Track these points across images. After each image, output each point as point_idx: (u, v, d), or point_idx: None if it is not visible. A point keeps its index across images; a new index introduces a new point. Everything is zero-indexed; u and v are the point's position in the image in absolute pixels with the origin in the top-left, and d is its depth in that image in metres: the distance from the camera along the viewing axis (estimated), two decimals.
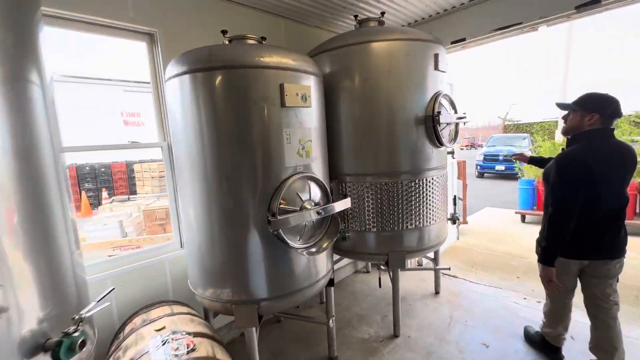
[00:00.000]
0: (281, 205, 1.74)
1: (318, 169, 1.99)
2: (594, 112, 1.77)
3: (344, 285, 3.53)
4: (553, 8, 2.54)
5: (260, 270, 1.82)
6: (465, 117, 2.60)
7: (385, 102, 2.33)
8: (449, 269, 3.19)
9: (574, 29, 12.75)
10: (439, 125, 2.34)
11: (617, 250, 1.83)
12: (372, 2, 2.93)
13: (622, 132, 5.78)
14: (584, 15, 2.50)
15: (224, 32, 1.98)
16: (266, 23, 2.89)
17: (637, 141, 5.31)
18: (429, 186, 2.47)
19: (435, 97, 2.38)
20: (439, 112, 2.30)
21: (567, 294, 2.05)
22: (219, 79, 1.67)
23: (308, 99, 1.81)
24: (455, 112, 2.63)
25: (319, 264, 2.09)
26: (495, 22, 2.88)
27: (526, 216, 5.82)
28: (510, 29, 2.79)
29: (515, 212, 6.01)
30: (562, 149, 1.96)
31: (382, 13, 2.66)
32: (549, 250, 1.83)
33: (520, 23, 2.72)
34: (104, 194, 9.03)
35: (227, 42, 1.93)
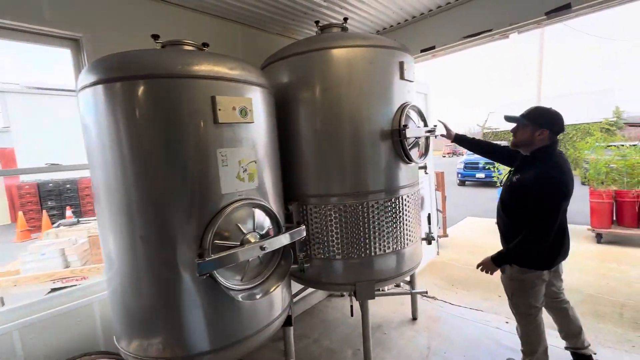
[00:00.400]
0: (217, 241, 1.45)
1: (267, 193, 1.72)
2: (544, 127, 1.80)
3: (316, 312, 3.23)
4: (523, 14, 2.40)
5: (196, 317, 1.52)
6: (434, 131, 2.40)
7: (347, 115, 2.10)
8: (426, 292, 2.96)
9: (546, 38, 13.14)
10: (407, 140, 2.12)
11: (569, 249, 1.99)
12: (336, 8, 2.74)
13: (596, 140, 5.82)
14: (554, 22, 2.37)
15: (155, 36, 1.71)
16: (219, 30, 2.64)
17: (612, 147, 5.32)
18: (399, 206, 2.24)
19: (402, 108, 2.17)
20: (405, 126, 2.09)
21: (538, 311, 2.00)
22: (139, 91, 1.39)
23: (249, 113, 1.55)
24: (425, 124, 2.43)
25: (273, 301, 1.80)
26: (465, 30, 2.73)
27: None
28: (480, 36, 2.64)
29: (496, 222, 5.90)
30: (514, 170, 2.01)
31: (345, 19, 2.45)
32: (509, 259, 1.92)
33: (491, 30, 2.58)
34: (68, 212, 8.43)
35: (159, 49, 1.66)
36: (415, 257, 2.48)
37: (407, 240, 2.31)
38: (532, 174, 1.79)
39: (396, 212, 2.22)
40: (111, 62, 1.41)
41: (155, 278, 1.49)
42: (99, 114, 1.44)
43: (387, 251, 2.22)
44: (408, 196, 2.31)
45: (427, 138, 2.47)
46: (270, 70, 2.28)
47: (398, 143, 2.15)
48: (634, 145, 6.99)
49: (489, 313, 3.00)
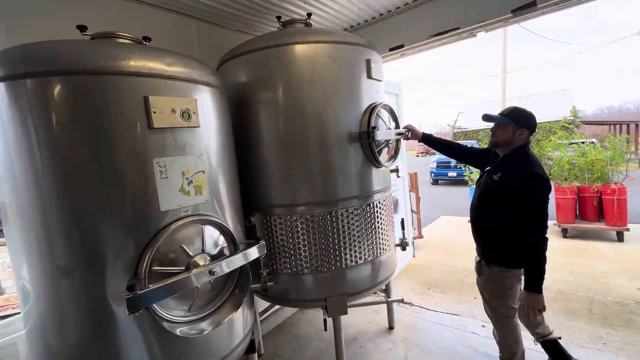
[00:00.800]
0: (156, 268, 1.23)
1: (221, 206, 1.52)
2: (524, 127, 1.80)
3: (287, 327, 3.03)
4: (490, 12, 2.36)
5: (137, 355, 1.28)
6: (405, 133, 2.29)
7: (312, 117, 1.93)
8: (402, 299, 2.84)
9: (508, 41, 13.73)
10: (376, 142, 1.99)
11: None
12: (300, 3, 2.58)
13: (558, 138, 6.04)
14: (520, 20, 2.35)
15: (81, 27, 1.46)
16: (170, 25, 2.40)
17: (574, 145, 5.53)
18: (372, 213, 2.10)
19: (371, 109, 2.03)
20: (374, 127, 1.95)
21: (515, 313, 1.95)
22: (53, 90, 1.15)
23: (193, 116, 1.34)
24: (397, 125, 2.32)
25: (234, 326, 1.59)
26: (433, 28, 2.65)
27: None
28: (448, 34, 2.57)
29: (468, 221, 5.97)
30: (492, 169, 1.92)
31: (309, 14, 2.29)
32: (538, 275, 1.70)
33: (458, 28, 2.52)
34: None
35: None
36: (390, 264, 2.36)
37: (380, 248, 2.18)
38: (518, 173, 1.75)
39: (368, 220, 2.08)
40: (15, 55, 1.16)
41: (83, 314, 1.24)
42: (3, 117, 1.18)
43: (359, 262, 2.07)
44: (380, 202, 2.18)
45: (397, 140, 2.36)
46: (227, 69, 2.08)
47: (367, 146, 2.01)
48: (591, 142, 7.38)
49: (465, 317, 2.94)
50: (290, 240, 2.00)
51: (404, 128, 2.33)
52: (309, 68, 1.88)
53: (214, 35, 2.71)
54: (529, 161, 1.78)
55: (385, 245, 2.23)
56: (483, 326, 2.75)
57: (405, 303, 3.25)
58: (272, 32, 2.11)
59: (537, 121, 1.86)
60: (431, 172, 13.07)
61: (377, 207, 2.14)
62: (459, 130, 24.26)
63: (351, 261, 2.04)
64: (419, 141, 2.36)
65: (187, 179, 1.32)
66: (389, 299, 2.75)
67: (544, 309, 1.72)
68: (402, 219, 2.59)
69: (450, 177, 12.28)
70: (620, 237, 4.64)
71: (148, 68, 1.22)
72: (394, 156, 2.29)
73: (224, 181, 1.56)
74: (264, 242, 1.59)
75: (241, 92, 2.00)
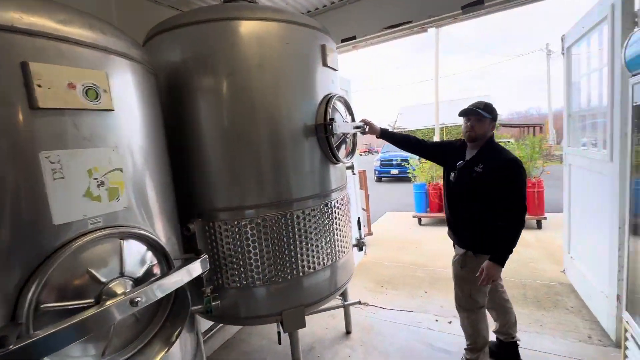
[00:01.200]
0: (48, 305, 0.88)
1: (148, 214, 1.19)
2: (494, 120, 1.92)
3: (236, 343, 2.72)
4: (441, 7, 2.36)
5: None
6: (362, 127, 2.16)
7: (262, 106, 1.68)
8: (359, 302, 2.74)
9: (440, 48, 14.83)
10: (334, 136, 1.82)
11: None
12: None
13: None
14: (469, 17, 2.40)
15: None
16: None
17: (502, 143, 6.12)
18: (330, 214, 1.93)
19: (327, 100, 1.86)
20: (332, 119, 1.78)
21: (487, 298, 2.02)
22: None
23: (103, 95, 1.00)
24: (353, 119, 2.19)
25: (169, 358, 1.28)
26: (386, 20, 2.59)
27: (422, 219, 6.07)
28: (400, 27, 2.53)
29: (413, 216, 6.22)
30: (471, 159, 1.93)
31: None
32: (509, 250, 1.79)
33: (411, 22, 2.48)
34: None
35: None
36: (349, 267, 2.23)
37: (339, 251, 2.02)
38: (499, 162, 1.81)
39: (326, 222, 1.91)
40: None
41: None
42: None
43: (317, 268, 1.88)
44: (338, 201, 2.02)
45: (354, 135, 2.23)
46: (156, 45, 1.72)
47: (324, 140, 1.83)
48: (509, 141, 8.30)
49: (419, 312, 2.96)
50: (239, 249, 1.72)
51: (360, 121, 2.20)
52: (257, 49, 1.62)
53: (139, 10, 2.27)
54: (504, 150, 1.89)
55: (344, 247, 2.08)
56: (436, 320, 2.78)
57: (361, 304, 3.16)
58: (212, 5, 1.80)
59: None
60: (375, 170, 13.55)
61: (334, 207, 1.98)
62: (399, 129, 25.76)
63: (308, 268, 1.85)
64: (377, 136, 2.25)
65: (96, 179, 0.98)
66: (346, 303, 2.63)
67: (495, 280, 1.84)
68: (359, 218, 2.48)
69: (392, 174, 12.86)
70: (539, 225, 5.23)
71: (28, 23, 0.86)
72: (351, 152, 2.16)
73: (152, 182, 1.24)
74: (206, 256, 1.30)
75: (174, 74, 1.66)
